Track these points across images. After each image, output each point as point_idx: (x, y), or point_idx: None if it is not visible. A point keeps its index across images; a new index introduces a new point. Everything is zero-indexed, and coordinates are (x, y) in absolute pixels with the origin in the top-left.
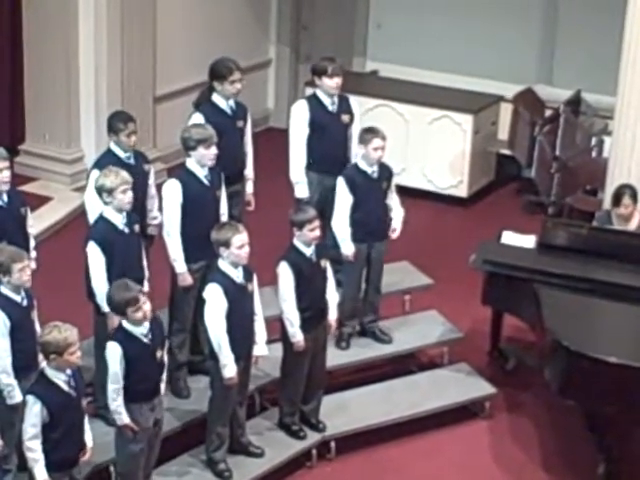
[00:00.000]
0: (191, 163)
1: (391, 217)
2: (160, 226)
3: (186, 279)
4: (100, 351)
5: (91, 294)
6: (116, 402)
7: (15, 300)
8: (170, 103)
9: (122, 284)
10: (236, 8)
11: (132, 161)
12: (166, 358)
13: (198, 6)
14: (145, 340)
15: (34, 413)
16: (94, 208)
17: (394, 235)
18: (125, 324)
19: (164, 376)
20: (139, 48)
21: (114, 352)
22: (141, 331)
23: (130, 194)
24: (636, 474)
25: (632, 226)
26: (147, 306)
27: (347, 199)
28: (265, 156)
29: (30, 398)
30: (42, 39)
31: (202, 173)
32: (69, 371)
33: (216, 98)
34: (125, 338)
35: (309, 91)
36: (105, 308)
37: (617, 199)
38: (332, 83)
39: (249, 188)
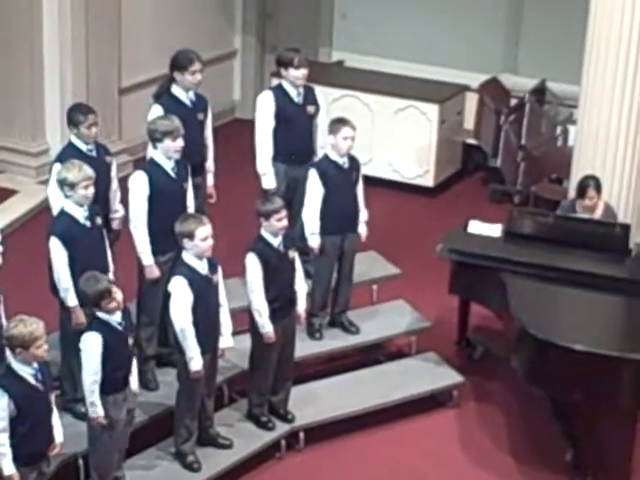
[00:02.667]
0: (157, 155)
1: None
2: (123, 219)
3: (153, 271)
4: (66, 344)
5: (55, 289)
6: (94, 394)
7: None
8: (135, 95)
9: (90, 277)
10: None
11: (94, 153)
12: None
13: None
14: (120, 328)
15: (1, 407)
16: (58, 202)
17: (362, 239)
18: (100, 314)
19: (134, 366)
20: (104, 40)
21: (95, 342)
22: (116, 319)
23: (92, 190)
24: (603, 460)
25: (596, 216)
26: (119, 295)
27: (318, 191)
28: (231, 147)
29: None
30: (5, 31)
31: (168, 165)
32: (36, 365)
33: (176, 90)
34: (102, 327)
35: (275, 82)
36: (69, 302)
37: (582, 191)
38: (298, 74)
39: (210, 181)
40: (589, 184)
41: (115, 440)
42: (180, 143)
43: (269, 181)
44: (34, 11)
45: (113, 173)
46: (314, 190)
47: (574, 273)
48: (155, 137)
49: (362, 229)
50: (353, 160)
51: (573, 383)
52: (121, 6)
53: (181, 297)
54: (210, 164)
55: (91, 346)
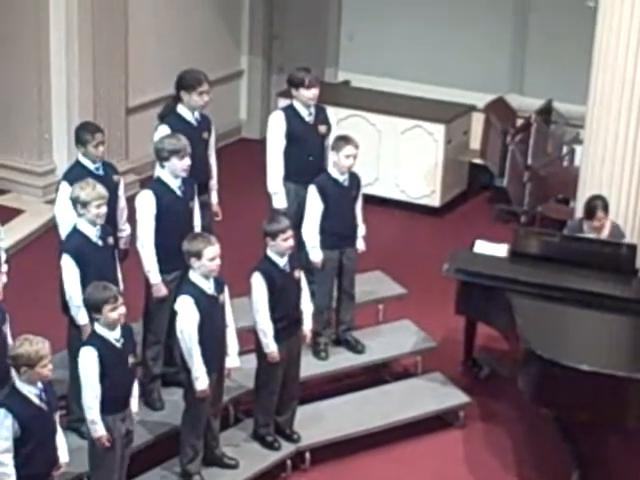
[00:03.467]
0: (164, 174)
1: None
2: (129, 238)
3: (160, 290)
4: (74, 364)
5: (66, 307)
6: (94, 410)
7: None
8: (142, 114)
9: (100, 284)
10: (208, 19)
11: (101, 172)
12: (137, 367)
13: (170, 17)
14: (118, 345)
15: (5, 427)
16: (65, 221)
17: (359, 252)
18: (98, 329)
19: (136, 387)
20: (111, 59)
21: (90, 356)
22: (114, 336)
23: (104, 209)
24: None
25: (604, 236)
26: (122, 309)
27: (318, 206)
28: (237, 167)
29: (1, 411)
30: (13, 50)
31: (175, 184)
32: (40, 385)
33: (181, 109)
34: (99, 343)
35: (282, 102)
36: (80, 321)
37: (590, 212)
38: (309, 94)
39: (214, 198)
40: (597, 205)
41: (114, 462)
42: (187, 162)
43: (280, 201)
44: (42, 30)
45: (120, 192)
46: (313, 206)
47: (580, 293)
48: (162, 156)
49: (360, 244)
50: (354, 177)
51: (580, 403)
52: (128, 26)
53: (188, 316)
54: (214, 182)
55: (86, 360)
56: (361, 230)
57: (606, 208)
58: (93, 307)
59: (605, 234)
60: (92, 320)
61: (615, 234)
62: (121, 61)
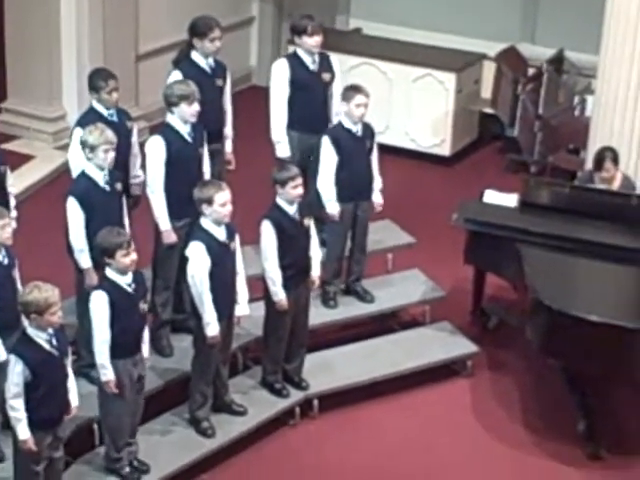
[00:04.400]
0: (173, 120)
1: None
2: (143, 185)
3: (170, 236)
4: (82, 308)
5: (70, 250)
6: (103, 355)
7: None
8: (153, 61)
9: (114, 229)
10: None
11: (115, 118)
12: (148, 313)
13: None
14: (129, 290)
15: (16, 372)
16: (78, 166)
17: (378, 209)
18: (109, 273)
19: (146, 333)
20: (120, 5)
21: (101, 300)
22: (125, 281)
23: (112, 154)
24: (615, 430)
25: (614, 187)
26: (134, 255)
27: (332, 158)
28: (248, 114)
29: (12, 357)
30: None
31: (185, 130)
32: (51, 330)
33: (195, 56)
34: (110, 287)
35: (292, 49)
36: (82, 264)
37: (599, 164)
38: (312, 42)
39: (228, 147)
40: (606, 156)
41: (126, 406)
42: (196, 107)
43: (283, 149)
44: None
45: (134, 138)
46: (328, 157)
47: (590, 244)
48: (171, 101)
49: (377, 197)
50: (367, 128)
51: (587, 354)
52: None
53: (199, 262)
54: (229, 130)
55: (97, 305)
56: (377, 183)
57: (616, 160)
58: (106, 252)
59: (616, 185)
60: (103, 265)
61: (626, 185)
62: (131, 7)
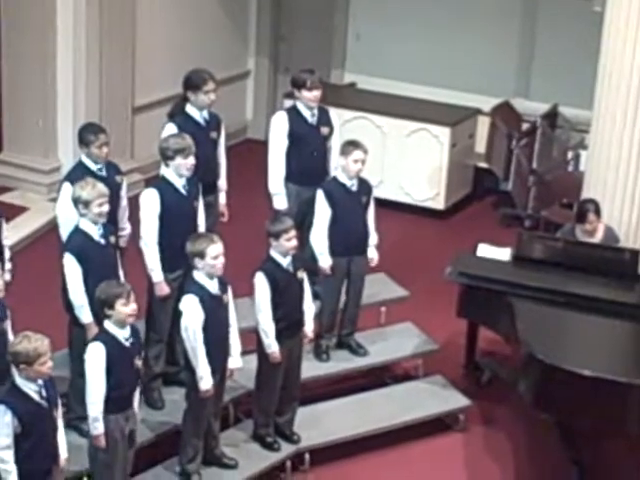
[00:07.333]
0: (169, 173)
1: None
2: (129, 237)
3: (163, 289)
4: (76, 362)
5: (69, 305)
6: (96, 407)
7: None
8: (148, 114)
9: (113, 281)
10: (215, 19)
11: (104, 173)
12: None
13: (177, 17)
14: (126, 344)
15: (5, 423)
16: (66, 221)
17: (372, 264)
18: (108, 326)
19: (138, 388)
20: (118, 58)
21: (98, 352)
22: (123, 335)
23: (106, 207)
24: None
25: (597, 239)
26: (134, 305)
27: (326, 212)
28: (243, 167)
29: (1, 408)
30: (20, 49)
31: (180, 183)
32: (40, 381)
33: (190, 109)
34: (108, 339)
35: (287, 103)
36: (84, 319)
37: (582, 216)
38: (311, 96)
39: (222, 199)
40: (589, 209)
41: (116, 461)
42: (192, 161)
43: (281, 202)
44: (48, 28)
45: (123, 192)
46: (321, 211)
47: (583, 298)
48: (167, 155)
49: (372, 253)
50: (363, 183)
51: (581, 409)
52: (136, 25)
53: (193, 315)
54: (223, 183)
55: (94, 356)
56: (373, 238)
57: (598, 211)
58: (106, 303)
59: (599, 237)
60: (102, 318)
61: (609, 236)
62: (128, 61)
